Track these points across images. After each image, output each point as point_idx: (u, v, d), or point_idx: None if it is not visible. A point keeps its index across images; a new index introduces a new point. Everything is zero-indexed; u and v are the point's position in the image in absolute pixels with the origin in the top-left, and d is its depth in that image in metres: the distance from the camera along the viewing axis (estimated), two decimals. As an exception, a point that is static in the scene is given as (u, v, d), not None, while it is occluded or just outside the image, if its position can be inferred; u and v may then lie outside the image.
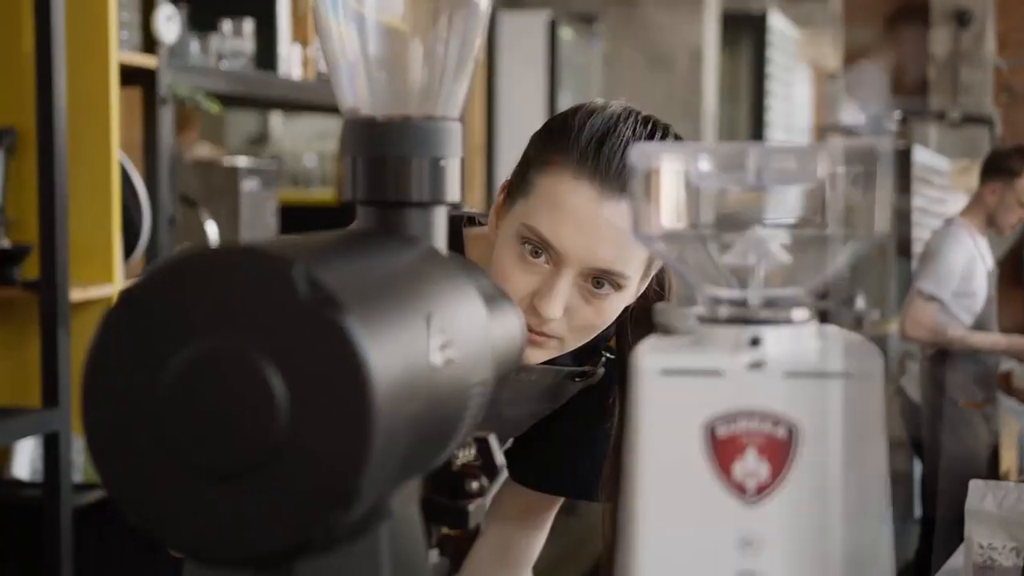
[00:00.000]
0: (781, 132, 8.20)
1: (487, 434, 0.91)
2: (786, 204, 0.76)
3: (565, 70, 5.01)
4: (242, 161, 3.24)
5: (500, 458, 0.88)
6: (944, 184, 8.00)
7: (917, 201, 7.12)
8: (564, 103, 5.93)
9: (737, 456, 0.69)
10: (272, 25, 3.23)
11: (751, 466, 0.69)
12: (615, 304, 1.28)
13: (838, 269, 0.75)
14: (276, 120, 5.61)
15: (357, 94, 0.87)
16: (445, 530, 0.84)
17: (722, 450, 0.69)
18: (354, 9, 0.86)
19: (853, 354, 0.72)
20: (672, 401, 0.72)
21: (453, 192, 0.86)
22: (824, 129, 9.65)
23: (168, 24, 2.72)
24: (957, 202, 8.65)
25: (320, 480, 0.63)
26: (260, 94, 3.28)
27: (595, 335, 1.31)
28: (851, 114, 5.22)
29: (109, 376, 0.67)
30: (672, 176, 0.74)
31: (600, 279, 1.25)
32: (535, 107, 4.73)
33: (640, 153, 0.73)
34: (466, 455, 0.88)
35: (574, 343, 1.30)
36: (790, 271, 0.75)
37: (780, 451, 0.69)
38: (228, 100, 3.24)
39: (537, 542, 1.57)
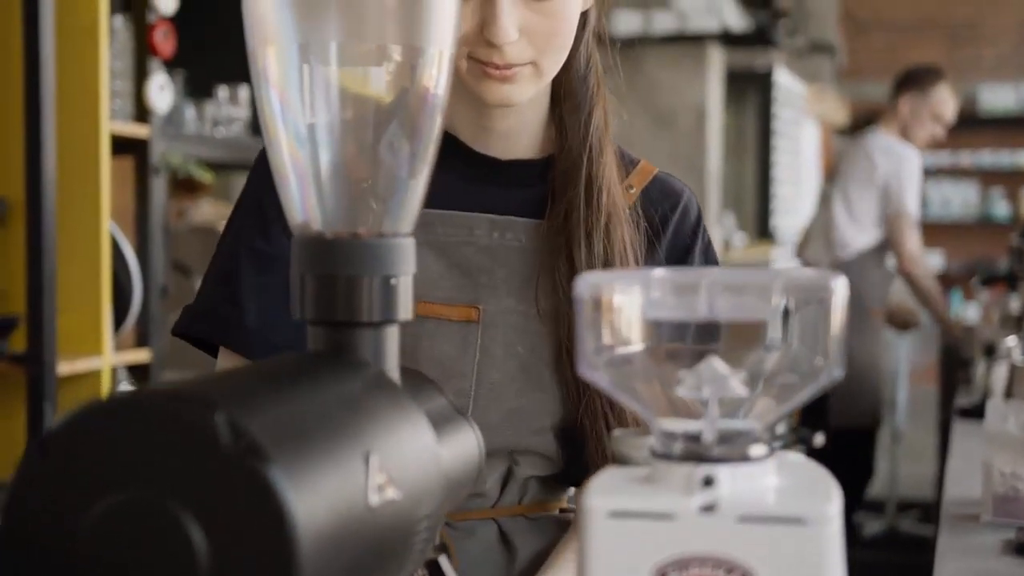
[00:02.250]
0: (788, 187, 8.18)
1: (438, 556, 0.88)
2: (743, 334, 0.73)
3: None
4: (238, 226, 3.22)
5: (452, 576, 0.85)
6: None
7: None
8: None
9: (687, 609, 0.66)
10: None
11: (701, 620, 0.66)
12: (567, 3, 1.21)
13: (796, 403, 0.72)
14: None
15: (307, 210, 0.85)
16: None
17: (671, 601, 0.66)
18: (303, 122, 0.84)
19: (813, 494, 0.69)
20: (622, 545, 0.69)
21: (405, 310, 0.84)
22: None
23: (161, 93, 2.71)
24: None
25: (237, 645, 0.60)
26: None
27: (567, 44, 1.23)
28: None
29: (26, 524, 0.64)
30: (620, 305, 0.71)
31: None
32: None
33: (586, 283, 0.70)
34: (415, 585, 0.85)
35: (551, 63, 1.23)
36: (747, 403, 0.72)
37: (732, 603, 0.66)
38: (223, 166, 3.23)
39: None
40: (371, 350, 0.83)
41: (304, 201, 0.84)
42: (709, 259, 1.36)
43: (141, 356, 2.78)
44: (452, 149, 1.31)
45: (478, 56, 1.20)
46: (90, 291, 2.55)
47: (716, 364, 0.72)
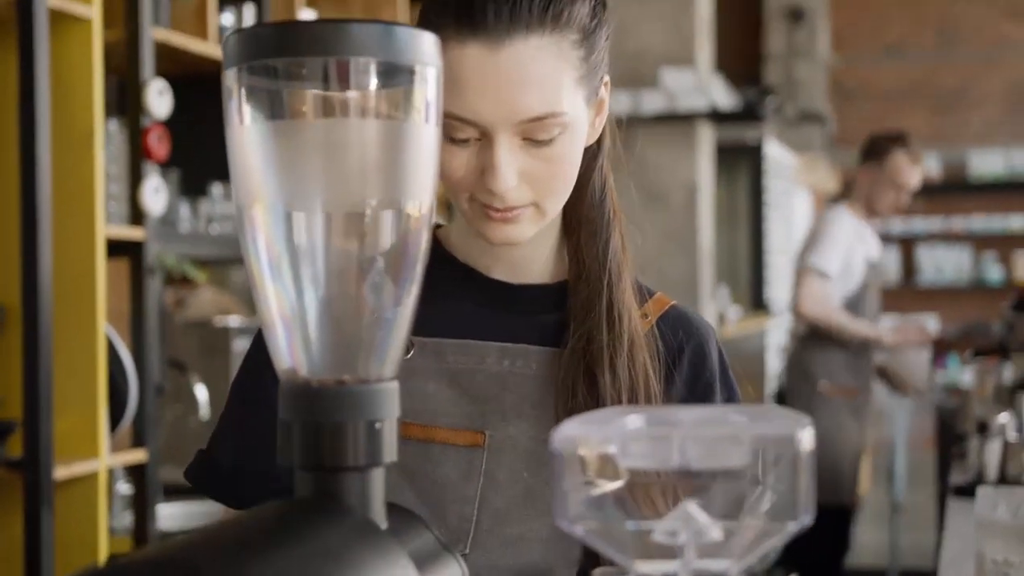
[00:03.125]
0: (781, 256, 8.23)
1: None
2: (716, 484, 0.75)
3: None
4: (234, 320, 3.25)
5: None
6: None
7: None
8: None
9: None
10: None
11: None
12: (568, 146, 1.18)
13: (769, 547, 0.75)
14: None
15: (294, 357, 0.87)
16: None
17: None
18: (289, 275, 0.87)
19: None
20: None
21: (391, 453, 0.86)
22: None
23: (155, 196, 2.75)
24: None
25: None
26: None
27: (570, 184, 1.22)
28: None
29: None
30: (596, 456, 0.73)
31: (536, 128, 1.15)
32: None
33: (563, 437, 0.72)
34: None
35: (553, 204, 1.21)
36: (721, 545, 0.74)
37: None
38: (219, 261, 3.26)
39: None
40: (357, 494, 0.85)
41: (291, 349, 0.87)
42: (732, 395, 1.35)
43: (138, 456, 2.79)
44: (467, 278, 1.31)
45: (479, 198, 1.19)
46: (86, 394, 2.57)
47: (691, 509, 0.74)
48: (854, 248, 4.51)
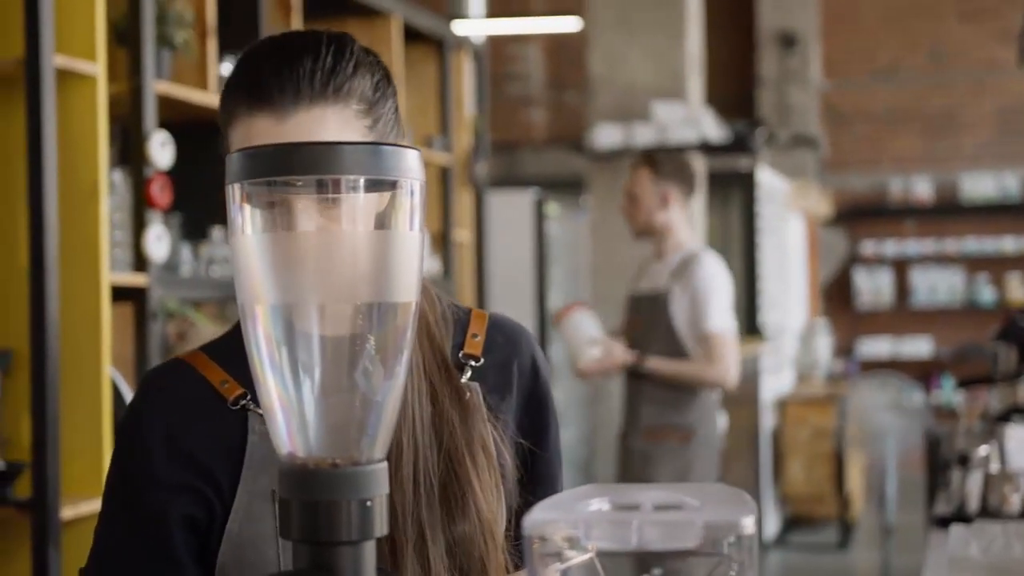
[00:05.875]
0: (775, 281, 8.32)
1: None
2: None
3: (553, 243, 5.14)
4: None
5: None
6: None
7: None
8: (554, 275, 6.06)
9: None
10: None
11: None
12: (351, 214, 1.25)
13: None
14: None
15: (292, 442, 0.96)
16: None
17: None
18: (288, 369, 0.96)
19: None
20: None
21: (381, 527, 0.95)
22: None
23: (158, 243, 2.84)
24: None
25: None
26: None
27: None
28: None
29: None
30: (562, 540, 0.82)
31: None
32: (524, 282, 4.85)
33: (531, 522, 0.81)
34: None
35: None
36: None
37: None
38: (221, 302, 3.35)
39: None
40: (350, 566, 0.94)
41: (289, 434, 0.96)
42: (551, 408, 1.41)
43: (142, 494, 2.88)
44: None
45: None
46: (92, 436, 2.66)
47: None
48: None
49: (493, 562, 1.28)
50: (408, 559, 1.26)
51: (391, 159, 0.93)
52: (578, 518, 0.82)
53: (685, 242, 4.08)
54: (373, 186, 0.92)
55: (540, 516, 0.82)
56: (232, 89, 1.27)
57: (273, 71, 1.24)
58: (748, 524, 0.79)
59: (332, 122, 1.25)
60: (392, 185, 0.93)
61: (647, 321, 4.07)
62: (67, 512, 2.58)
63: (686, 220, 4.09)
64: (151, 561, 1.29)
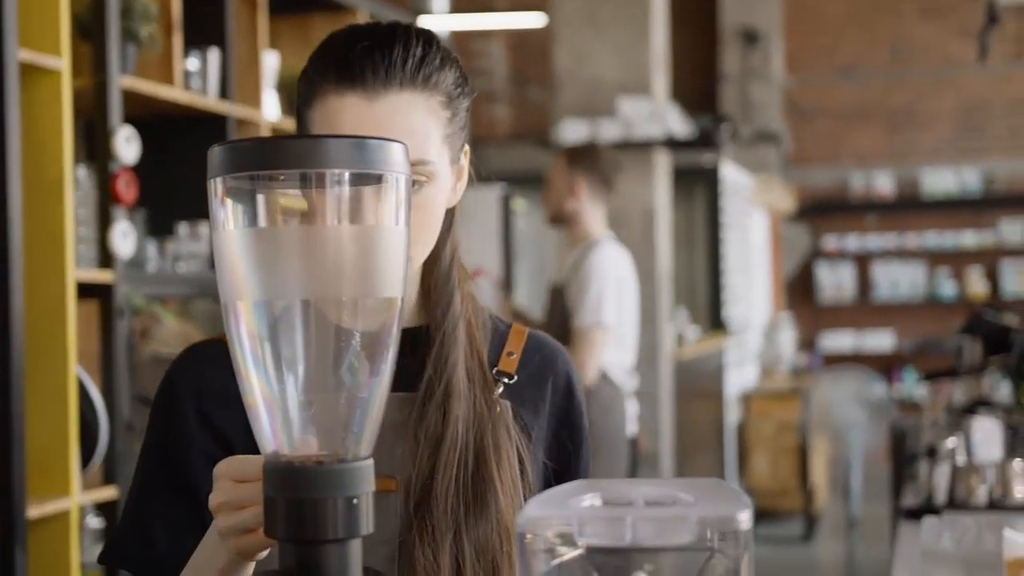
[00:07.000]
0: (739, 275, 8.35)
1: None
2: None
3: (519, 238, 5.12)
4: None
5: None
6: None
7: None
8: (520, 271, 6.06)
9: None
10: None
11: None
12: (433, 197, 1.26)
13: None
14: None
15: (277, 440, 0.95)
16: None
17: None
18: (272, 365, 0.94)
19: None
20: None
21: (367, 525, 0.94)
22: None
23: (124, 240, 2.81)
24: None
25: None
26: (216, 294, 3.36)
27: (432, 236, 1.28)
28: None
29: None
30: (555, 536, 0.81)
31: None
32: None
33: (526, 519, 0.80)
34: None
35: (416, 252, 1.27)
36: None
37: None
38: (187, 298, 3.32)
39: None
40: (337, 563, 0.93)
41: (274, 432, 0.94)
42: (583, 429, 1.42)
43: (108, 493, 2.85)
44: None
45: None
46: (58, 434, 2.63)
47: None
48: None
49: (505, 567, 1.27)
50: (445, 553, 1.25)
51: (376, 153, 0.92)
52: (571, 514, 0.81)
53: (591, 233, 4.05)
54: (358, 180, 0.91)
55: (533, 512, 0.82)
56: (318, 66, 1.26)
57: (365, 52, 1.24)
58: (743, 519, 0.79)
59: (420, 108, 1.25)
60: (377, 179, 0.92)
61: (551, 312, 4.07)
62: (33, 511, 2.55)
63: (597, 212, 4.06)
64: (190, 512, 1.27)
